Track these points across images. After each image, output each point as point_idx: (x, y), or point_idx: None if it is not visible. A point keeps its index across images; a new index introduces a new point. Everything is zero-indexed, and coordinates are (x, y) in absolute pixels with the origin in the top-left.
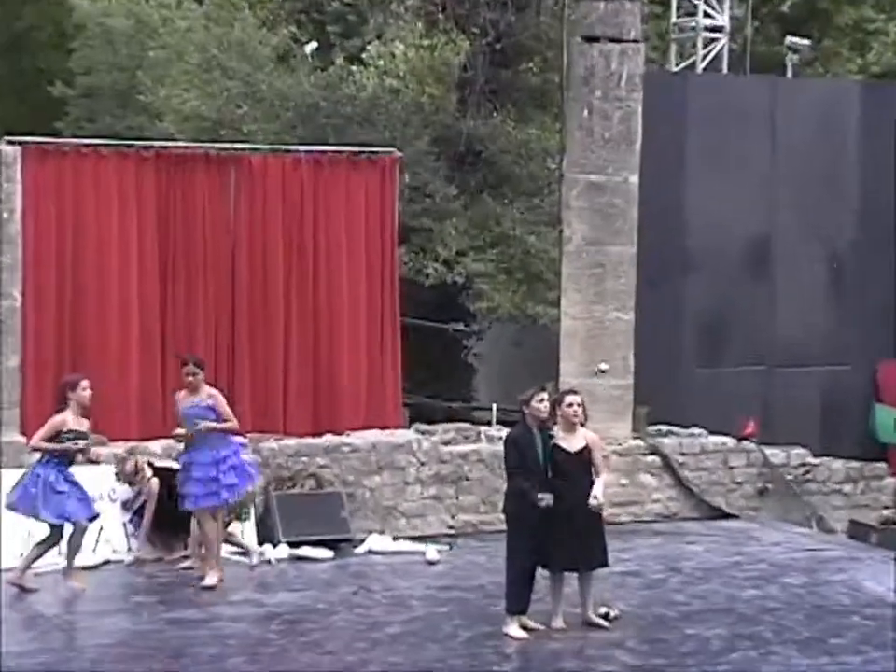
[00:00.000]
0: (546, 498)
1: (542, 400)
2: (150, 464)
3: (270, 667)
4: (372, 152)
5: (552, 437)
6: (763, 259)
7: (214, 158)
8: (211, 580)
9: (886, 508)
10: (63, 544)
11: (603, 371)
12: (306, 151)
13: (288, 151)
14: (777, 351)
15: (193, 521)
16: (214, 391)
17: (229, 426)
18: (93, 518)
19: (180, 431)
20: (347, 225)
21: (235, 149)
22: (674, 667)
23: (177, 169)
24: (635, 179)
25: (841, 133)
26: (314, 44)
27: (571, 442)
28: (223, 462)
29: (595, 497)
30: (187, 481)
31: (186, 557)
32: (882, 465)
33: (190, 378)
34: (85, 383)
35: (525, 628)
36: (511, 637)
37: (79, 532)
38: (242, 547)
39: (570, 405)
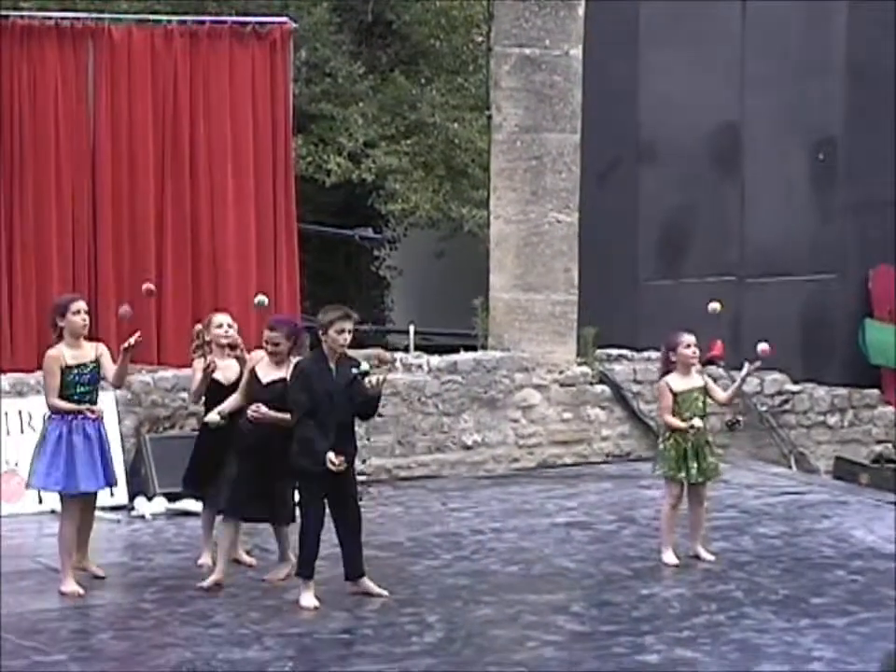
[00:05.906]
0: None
1: (343, 331)
2: None
3: (143, 643)
4: (261, 23)
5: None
6: (732, 149)
7: (66, 30)
8: None
9: (879, 442)
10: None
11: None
12: (180, 21)
13: (158, 22)
14: (748, 259)
15: None
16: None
17: None
18: None
19: None
20: (232, 112)
21: (93, 19)
22: (626, 635)
23: (21, 44)
24: (577, 53)
25: None
26: None
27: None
28: None
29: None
30: None
31: None
32: (874, 391)
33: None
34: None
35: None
36: (302, 606)
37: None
38: None
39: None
